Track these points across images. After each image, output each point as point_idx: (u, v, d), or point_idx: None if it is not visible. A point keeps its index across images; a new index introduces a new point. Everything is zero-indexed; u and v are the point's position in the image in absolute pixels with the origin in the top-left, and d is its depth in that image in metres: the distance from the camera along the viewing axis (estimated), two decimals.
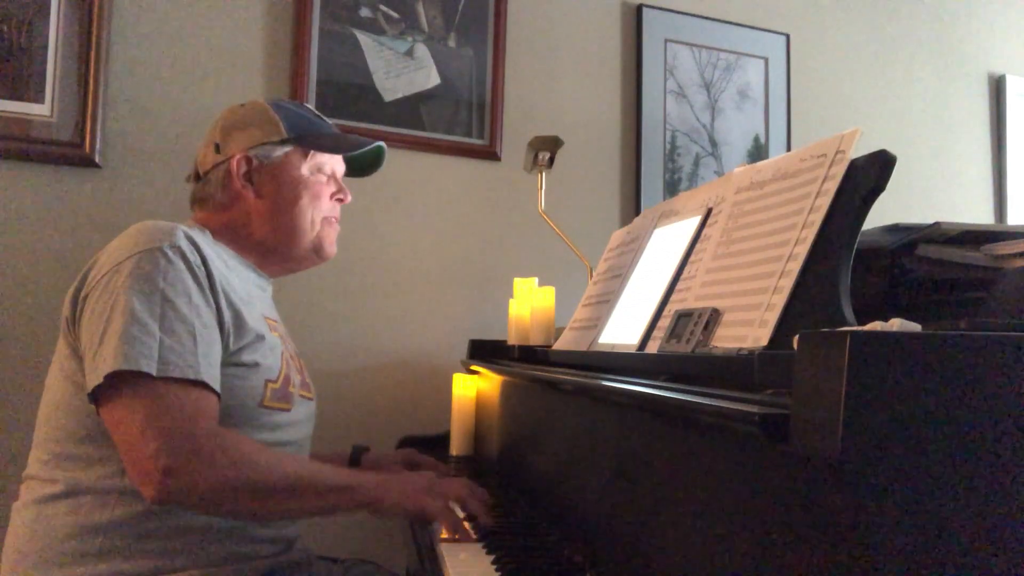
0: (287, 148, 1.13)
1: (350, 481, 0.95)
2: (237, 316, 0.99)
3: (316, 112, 1.22)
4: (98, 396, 0.87)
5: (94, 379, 0.86)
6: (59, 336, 0.98)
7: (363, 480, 0.96)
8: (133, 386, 0.85)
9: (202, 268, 0.96)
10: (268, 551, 1.00)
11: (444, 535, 0.97)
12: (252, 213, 1.11)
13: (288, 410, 1.04)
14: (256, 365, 1.00)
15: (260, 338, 1.02)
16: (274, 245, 1.13)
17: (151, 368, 0.85)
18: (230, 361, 0.97)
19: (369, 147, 1.21)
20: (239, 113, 1.15)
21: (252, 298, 1.08)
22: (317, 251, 1.17)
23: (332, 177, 1.19)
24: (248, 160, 1.11)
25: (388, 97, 1.79)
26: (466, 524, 0.99)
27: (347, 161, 1.24)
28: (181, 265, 0.93)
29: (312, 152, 1.15)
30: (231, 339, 0.97)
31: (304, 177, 1.14)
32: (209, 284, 0.96)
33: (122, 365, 0.84)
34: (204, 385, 0.89)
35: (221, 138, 1.13)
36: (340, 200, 1.20)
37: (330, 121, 1.23)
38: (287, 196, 1.12)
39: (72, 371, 0.94)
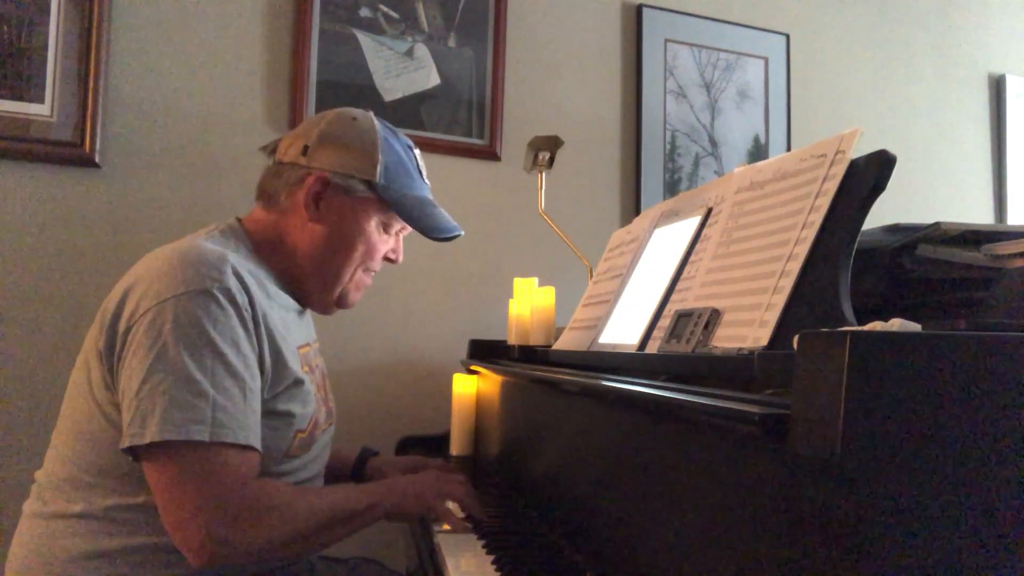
0: (370, 194, 1.05)
1: (371, 500, 0.97)
2: (278, 358, 0.95)
3: (419, 163, 1.14)
4: (138, 451, 0.84)
5: (137, 438, 0.82)
6: (88, 354, 0.93)
7: (381, 497, 0.99)
8: (184, 455, 0.83)
9: (249, 310, 0.91)
10: (274, 564, 1.01)
11: (445, 527, 1.02)
12: (303, 233, 1.05)
13: (307, 452, 1.03)
14: (290, 416, 0.97)
15: (298, 383, 0.98)
16: (307, 275, 1.07)
17: (203, 435, 0.82)
18: (265, 409, 0.93)
19: (450, 236, 1.13)
20: (346, 126, 1.06)
21: (289, 326, 1.03)
22: (340, 302, 1.11)
23: (397, 235, 1.14)
24: (325, 182, 1.04)
25: (388, 97, 1.80)
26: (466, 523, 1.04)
27: None
28: (231, 311, 0.88)
29: (388, 207, 1.07)
30: (268, 384, 0.94)
31: (369, 230, 1.07)
32: (255, 327, 0.92)
33: (173, 435, 0.81)
34: (251, 447, 0.87)
35: (314, 143, 1.05)
36: (391, 260, 1.15)
37: None
38: (343, 238, 1.05)
39: (104, 402, 0.90)
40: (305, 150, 1.05)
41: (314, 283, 1.08)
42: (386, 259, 1.14)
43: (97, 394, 0.90)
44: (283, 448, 0.97)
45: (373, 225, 1.08)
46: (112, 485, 0.89)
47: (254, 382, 0.90)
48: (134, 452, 0.84)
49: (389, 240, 1.13)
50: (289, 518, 0.88)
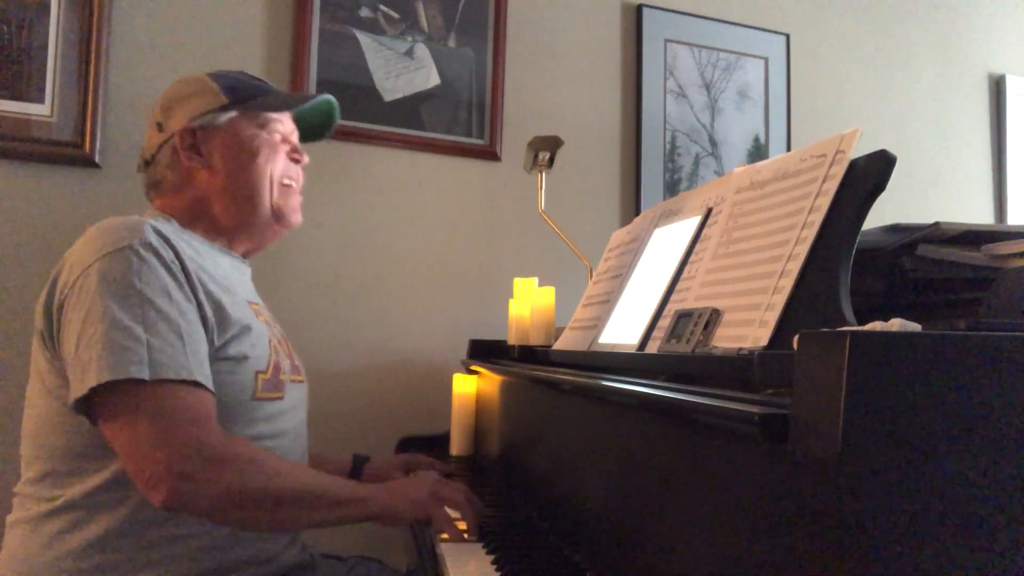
0: (231, 114, 1.08)
1: (359, 494, 0.94)
2: (219, 308, 0.95)
3: (258, 77, 1.17)
4: (92, 408, 0.84)
5: (79, 390, 0.82)
6: (34, 349, 0.94)
7: (371, 492, 0.95)
8: (130, 394, 0.82)
9: (176, 263, 0.92)
10: (271, 556, 1.00)
11: (444, 536, 0.98)
12: (208, 188, 1.06)
13: (281, 398, 1.02)
14: (245, 358, 0.96)
15: (246, 329, 0.98)
16: (236, 218, 1.08)
17: (143, 373, 0.82)
18: (217, 356, 0.93)
19: (315, 100, 1.17)
20: (176, 88, 1.10)
21: (232, 283, 1.04)
22: (278, 218, 1.11)
23: (286, 139, 1.14)
24: (192, 132, 1.06)
25: (388, 97, 1.79)
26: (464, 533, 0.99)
27: (299, 124, 1.19)
28: (155, 261, 0.89)
29: (258, 113, 1.09)
30: (216, 334, 0.94)
31: (255, 136, 1.08)
32: (186, 278, 0.92)
33: (111, 375, 0.81)
34: (199, 385, 0.86)
35: (162, 116, 1.08)
36: (296, 160, 1.15)
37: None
38: (239, 160, 1.07)
39: (55, 387, 0.90)
40: (160, 127, 1.08)
41: (244, 214, 1.09)
42: (294, 160, 1.14)
43: (48, 382, 0.91)
44: (248, 390, 0.96)
45: (254, 132, 1.09)
46: (85, 466, 0.89)
47: (192, 327, 0.89)
48: (88, 411, 0.84)
49: (284, 142, 1.13)
50: (255, 471, 0.85)
